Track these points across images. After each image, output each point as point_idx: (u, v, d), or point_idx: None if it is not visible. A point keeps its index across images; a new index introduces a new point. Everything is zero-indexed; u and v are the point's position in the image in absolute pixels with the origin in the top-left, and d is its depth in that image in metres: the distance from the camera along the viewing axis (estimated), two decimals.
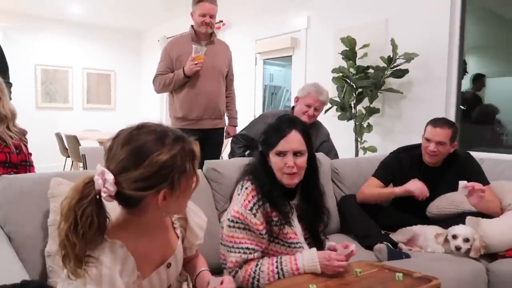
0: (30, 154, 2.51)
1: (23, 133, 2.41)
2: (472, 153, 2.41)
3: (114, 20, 7.11)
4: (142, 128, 0.98)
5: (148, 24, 7.35)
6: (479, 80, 3.38)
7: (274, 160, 1.50)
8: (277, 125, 1.53)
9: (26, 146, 2.45)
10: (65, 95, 7.23)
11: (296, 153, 1.48)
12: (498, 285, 1.83)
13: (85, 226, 0.88)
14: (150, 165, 0.92)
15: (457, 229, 1.90)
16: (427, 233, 2.03)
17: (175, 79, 2.77)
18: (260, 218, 1.44)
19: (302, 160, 1.49)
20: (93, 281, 0.88)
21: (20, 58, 6.69)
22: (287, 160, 1.47)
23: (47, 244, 1.41)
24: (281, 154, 1.48)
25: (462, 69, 3.26)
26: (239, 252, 1.43)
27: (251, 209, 1.43)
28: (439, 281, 1.41)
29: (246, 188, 1.48)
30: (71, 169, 5.81)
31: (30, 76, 6.88)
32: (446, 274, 1.62)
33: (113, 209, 1.01)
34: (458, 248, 1.86)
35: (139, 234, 1.01)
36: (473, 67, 3.32)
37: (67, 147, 5.50)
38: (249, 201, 1.44)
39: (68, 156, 5.60)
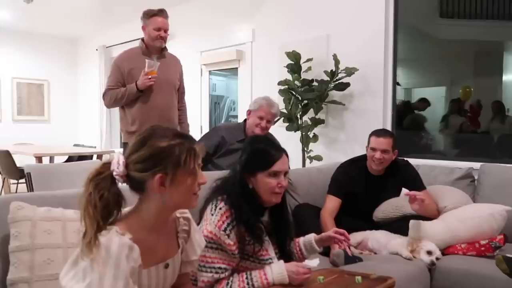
0: None
1: None
2: (409, 160, 2.64)
3: (47, 26, 6.75)
4: (154, 127, 1.16)
5: (84, 31, 7.07)
6: (424, 102, 3.75)
7: (266, 180, 1.53)
8: (266, 149, 1.58)
9: None
10: None
11: (285, 174, 1.58)
12: (439, 280, 2.07)
13: (96, 197, 1.04)
14: (149, 148, 1.08)
15: (431, 246, 2.05)
16: (377, 237, 2.20)
17: (128, 93, 2.73)
18: (233, 239, 1.45)
19: (287, 180, 1.60)
20: (101, 261, 0.99)
21: None
22: (280, 180, 1.55)
23: (9, 272, 1.34)
24: (275, 174, 1.54)
25: (396, 82, 3.56)
26: (211, 272, 1.43)
27: (224, 230, 1.44)
28: (394, 280, 1.57)
29: (220, 209, 1.48)
30: (2, 186, 5.41)
31: None
32: (397, 273, 1.77)
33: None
34: (433, 264, 2.02)
35: (147, 228, 1.12)
36: (401, 79, 3.64)
37: None
38: (223, 222, 1.45)
39: None
